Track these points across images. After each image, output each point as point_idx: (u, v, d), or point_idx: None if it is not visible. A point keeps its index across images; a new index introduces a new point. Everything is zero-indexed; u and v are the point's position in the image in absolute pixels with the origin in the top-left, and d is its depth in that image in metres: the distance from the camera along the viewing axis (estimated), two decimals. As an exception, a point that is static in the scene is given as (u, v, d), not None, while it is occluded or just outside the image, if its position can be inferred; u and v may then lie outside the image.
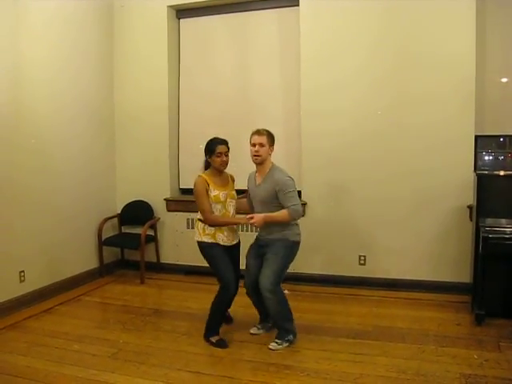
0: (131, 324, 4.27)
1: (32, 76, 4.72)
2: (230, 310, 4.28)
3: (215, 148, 3.76)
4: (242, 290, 4.40)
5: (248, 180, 4.00)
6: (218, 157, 3.76)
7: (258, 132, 3.77)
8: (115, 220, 5.94)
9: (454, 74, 4.70)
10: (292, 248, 3.79)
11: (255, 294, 3.88)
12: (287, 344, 3.73)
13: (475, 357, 3.47)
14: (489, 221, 4.08)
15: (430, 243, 4.89)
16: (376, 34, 4.94)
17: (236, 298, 4.32)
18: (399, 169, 4.91)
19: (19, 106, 4.57)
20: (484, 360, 3.41)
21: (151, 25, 5.74)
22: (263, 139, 3.72)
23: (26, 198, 4.65)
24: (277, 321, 3.80)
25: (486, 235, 3.95)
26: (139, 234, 5.50)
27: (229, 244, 3.86)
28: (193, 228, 4.21)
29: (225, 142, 3.82)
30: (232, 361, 3.55)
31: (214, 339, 3.82)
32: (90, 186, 5.56)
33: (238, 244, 4.01)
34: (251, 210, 3.99)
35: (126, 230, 5.97)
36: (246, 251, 3.99)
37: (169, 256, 5.86)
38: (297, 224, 3.84)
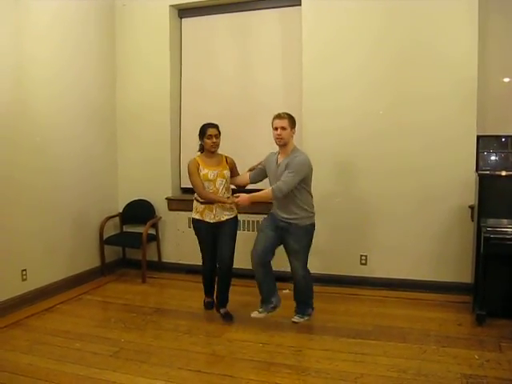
0: (132, 323, 4.28)
1: (34, 75, 4.72)
2: (230, 309, 4.29)
3: (206, 131, 4.13)
4: (240, 289, 4.42)
5: (267, 158, 4.16)
6: (209, 139, 4.12)
7: (279, 116, 3.93)
8: (117, 219, 5.94)
9: (456, 74, 4.69)
10: (311, 232, 4.03)
11: (263, 266, 4.00)
12: (308, 317, 4.11)
13: (476, 357, 3.47)
14: (490, 221, 4.07)
15: (431, 243, 4.89)
16: (378, 34, 4.93)
17: (235, 297, 4.37)
18: (400, 168, 4.91)
19: (22, 106, 4.57)
20: (485, 360, 3.41)
21: (153, 24, 5.74)
22: (284, 122, 3.89)
23: (28, 197, 4.66)
24: (302, 296, 4.12)
25: (487, 235, 3.95)
26: (141, 233, 5.51)
27: (215, 221, 4.20)
28: (194, 227, 4.31)
29: (215, 126, 4.17)
30: (233, 360, 3.55)
31: (204, 299, 4.51)
32: (92, 185, 5.57)
33: (232, 219, 4.26)
34: (251, 182, 4.30)
35: (127, 228, 5.98)
36: (260, 225, 4.19)
37: (170, 255, 5.87)
38: (312, 204, 4.08)
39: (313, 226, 4.05)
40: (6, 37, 4.38)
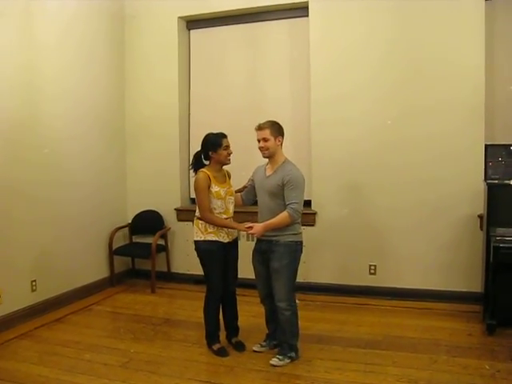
0: (142, 333, 4.28)
1: (45, 90, 4.78)
2: (242, 323, 4.20)
3: (221, 141, 3.71)
4: (252, 299, 4.40)
5: (255, 172, 3.89)
6: (225, 150, 3.72)
7: (258, 127, 3.64)
8: (126, 229, 5.98)
9: (464, 84, 4.71)
10: (296, 251, 3.63)
11: (269, 303, 3.80)
12: (289, 360, 3.61)
13: (487, 367, 3.44)
14: (499, 230, 4.06)
15: (440, 252, 4.87)
16: (386, 45, 4.96)
17: (248, 308, 4.34)
18: (409, 178, 4.91)
19: (32, 120, 4.63)
20: (496, 371, 3.38)
21: (162, 36, 5.80)
22: (266, 133, 3.59)
23: (39, 209, 4.70)
24: (284, 333, 3.65)
25: (496, 245, 3.94)
26: (150, 244, 5.53)
27: (229, 240, 3.78)
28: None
29: (227, 136, 3.78)
30: (243, 370, 3.55)
31: (215, 347, 3.82)
32: (102, 196, 5.61)
33: (237, 237, 3.91)
34: (244, 204, 3.98)
35: (136, 239, 6.01)
36: (251, 257, 3.86)
37: (179, 265, 5.87)
38: (298, 222, 3.64)
39: (297, 244, 3.62)
40: (17, 52, 4.44)
